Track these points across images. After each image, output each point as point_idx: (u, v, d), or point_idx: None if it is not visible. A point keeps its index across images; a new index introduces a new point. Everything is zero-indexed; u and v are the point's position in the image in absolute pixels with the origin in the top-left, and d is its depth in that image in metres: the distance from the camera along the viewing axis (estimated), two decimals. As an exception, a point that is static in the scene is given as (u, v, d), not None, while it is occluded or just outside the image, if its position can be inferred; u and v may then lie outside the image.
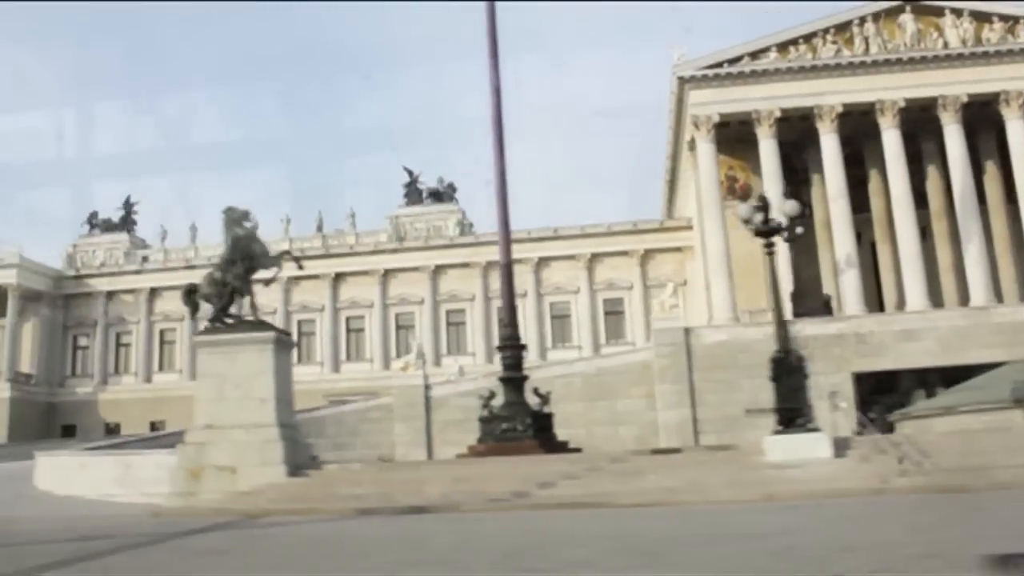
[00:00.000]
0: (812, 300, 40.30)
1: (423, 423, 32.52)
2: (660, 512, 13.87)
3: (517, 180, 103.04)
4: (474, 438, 22.57)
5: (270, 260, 20.04)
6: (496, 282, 42.17)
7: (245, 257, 19.34)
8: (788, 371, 17.38)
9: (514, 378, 23.05)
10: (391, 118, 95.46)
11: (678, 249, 46.67)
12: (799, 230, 40.21)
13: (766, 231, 18.40)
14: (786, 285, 39.89)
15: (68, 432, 50.19)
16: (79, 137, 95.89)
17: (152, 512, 16.20)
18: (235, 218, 19.69)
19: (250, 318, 19.51)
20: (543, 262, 47.41)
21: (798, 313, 38.30)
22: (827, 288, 42.16)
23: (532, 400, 22.40)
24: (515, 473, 17.69)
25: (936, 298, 39.79)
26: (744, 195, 44.10)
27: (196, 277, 49.25)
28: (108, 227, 61.43)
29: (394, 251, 49.34)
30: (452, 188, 60.60)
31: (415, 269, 48.32)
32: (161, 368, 50.76)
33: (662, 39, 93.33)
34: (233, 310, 20.08)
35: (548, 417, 22.79)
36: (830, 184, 40.57)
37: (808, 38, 41.31)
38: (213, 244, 53.40)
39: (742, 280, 39.61)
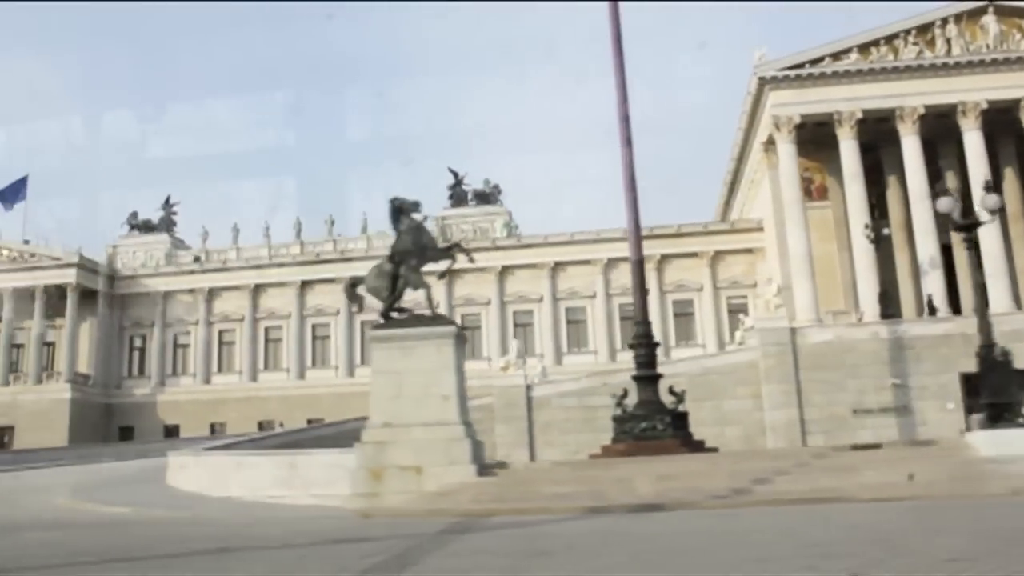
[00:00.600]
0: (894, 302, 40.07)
1: (525, 424, 31.98)
2: (916, 506, 13.42)
3: (547, 185, 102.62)
4: (577, 439, 22.20)
5: (441, 252, 19.49)
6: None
7: (418, 249, 18.79)
8: (993, 365, 16.98)
9: (648, 376, 22.60)
10: (402, 125, 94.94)
11: (748, 251, 46.29)
12: (886, 231, 39.89)
13: (966, 225, 17.90)
14: (871, 286, 39.71)
15: (125, 434, 49.59)
16: (92, 143, 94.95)
17: (362, 513, 15.63)
18: (404, 208, 19.13)
19: (424, 312, 18.93)
20: (611, 263, 46.97)
21: (886, 315, 38.03)
22: (904, 290, 41.91)
23: (666, 399, 21.96)
24: (713, 470, 17.28)
25: (1017, 300, 39.61)
26: (820, 196, 44.00)
27: (260, 277, 49.58)
28: (148, 228, 60.89)
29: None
30: (497, 190, 60.33)
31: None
32: (220, 369, 50.11)
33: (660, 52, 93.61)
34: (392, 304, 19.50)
35: (684, 416, 22.33)
36: (912, 185, 40.25)
37: (889, 39, 41.08)
38: (253, 245, 52.95)
39: (817, 281, 39.49)
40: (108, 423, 49.37)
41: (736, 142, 48.16)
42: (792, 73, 41.07)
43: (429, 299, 19.19)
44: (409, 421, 17.92)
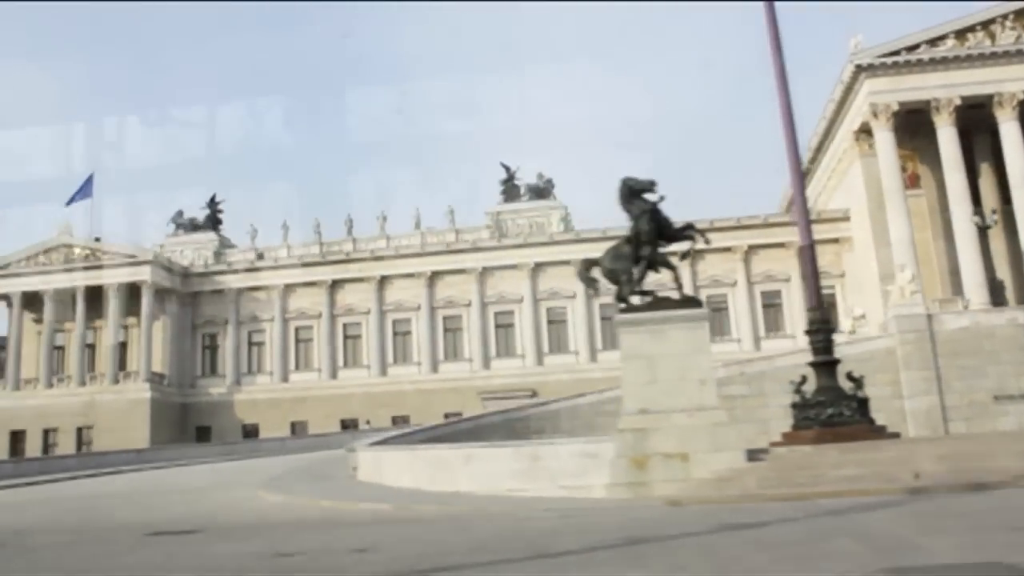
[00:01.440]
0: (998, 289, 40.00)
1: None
2: None
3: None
4: (725, 430, 21.68)
5: (681, 233, 18.97)
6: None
7: (660, 229, 18.30)
8: None
9: (827, 362, 22.26)
10: (440, 122, 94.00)
11: (835, 240, 46.08)
12: (994, 218, 39.80)
13: None
14: (975, 274, 39.66)
15: (202, 434, 48.75)
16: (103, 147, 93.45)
17: (669, 501, 15.18)
18: (637, 189, 18.61)
19: (669, 295, 18.44)
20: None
21: (997, 302, 38.00)
22: (1004, 277, 41.86)
23: (844, 385, 21.63)
24: (985, 450, 16.95)
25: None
26: (912, 185, 43.89)
27: (336, 273, 48.81)
28: (194, 226, 59.90)
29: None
30: (551, 184, 59.72)
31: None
32: (297, 367, 49.33)
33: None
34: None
35: (866, 401, 22.00)
36: (1012, 171, 40.21)
37: (986, 24, 40.99)
38: (301, 243, 52.02)
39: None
40: (184, 423, 48.49)
41: (817, 132, 47.97)
42: (889, 60, 40.91)
43: (678, 280, 18.73)
44: (666, 407, 17.42)
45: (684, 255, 20.60)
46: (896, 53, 40.98)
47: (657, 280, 19.83)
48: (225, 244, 57.52)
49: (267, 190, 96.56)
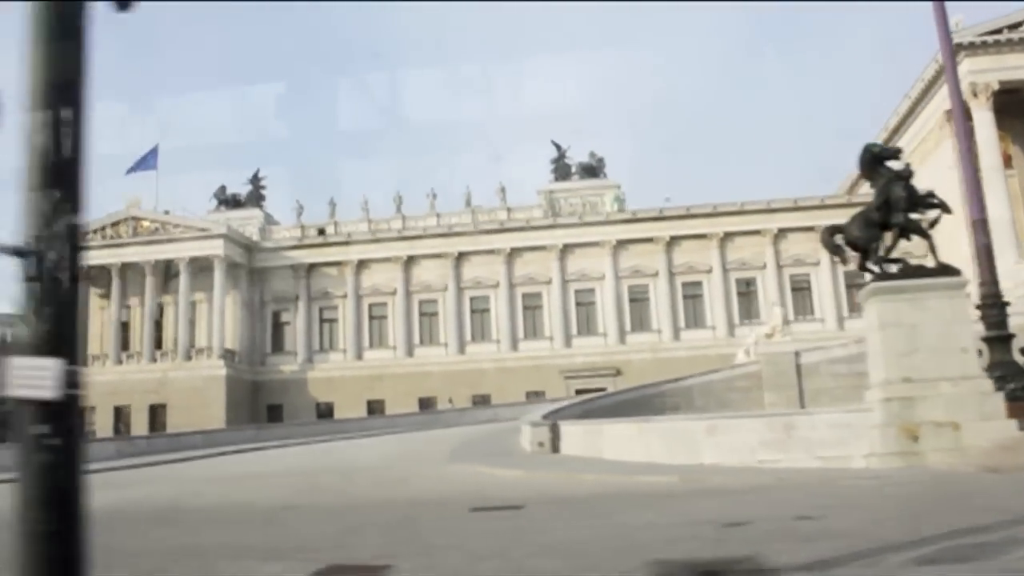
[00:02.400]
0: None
1: (795, 392, 31.18)
2: None
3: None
4: (993, 399, 21.34)
5: (926, 201, 18.47)
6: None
7: (909, 196, 17.80)
8: None
9: (1001, 336, 21.96)
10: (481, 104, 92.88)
11: (918, 221, 45.80)
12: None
13: None
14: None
15: (274, 412, 47.89)
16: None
17: (989, 469, 14.70)
18: (883, 156, 18.08)
19: (923, 263, 17.96)
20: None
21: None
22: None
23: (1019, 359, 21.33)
24: None
25: None
26: (1005, 165, 43.73)
27: (411, 249, 47.93)
28: (236, 203, 58.72)
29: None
30: (602, 162, 59.04)
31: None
32: (371, 344, 48.48)
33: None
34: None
35: None
36: (1110, 153, 40.17)
37: (1090, 5, 40.81)
38: (354, 220, 50.99)
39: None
40: (254, 401, 47.56)
41: (897, 112, 47.67)
42: (990, 39, 40.63)
43: (932, 248, 18.23)
44: (930, 376, 16.94)
45: (933, 223, 20.12)
46: (998, 31, 40.70)
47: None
48: (270, 221, 56.43)
49: (310, 169, 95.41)
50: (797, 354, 31.68)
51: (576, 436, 21.29)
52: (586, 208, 52.75)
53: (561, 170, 57.59)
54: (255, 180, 60.44)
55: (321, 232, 51.66)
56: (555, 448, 22.12)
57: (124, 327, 49.18)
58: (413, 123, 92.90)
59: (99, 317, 49.34)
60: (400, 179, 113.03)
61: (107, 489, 18.59)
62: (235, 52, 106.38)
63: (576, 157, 58.12)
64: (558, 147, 57.99)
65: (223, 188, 60.21)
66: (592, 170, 57.73)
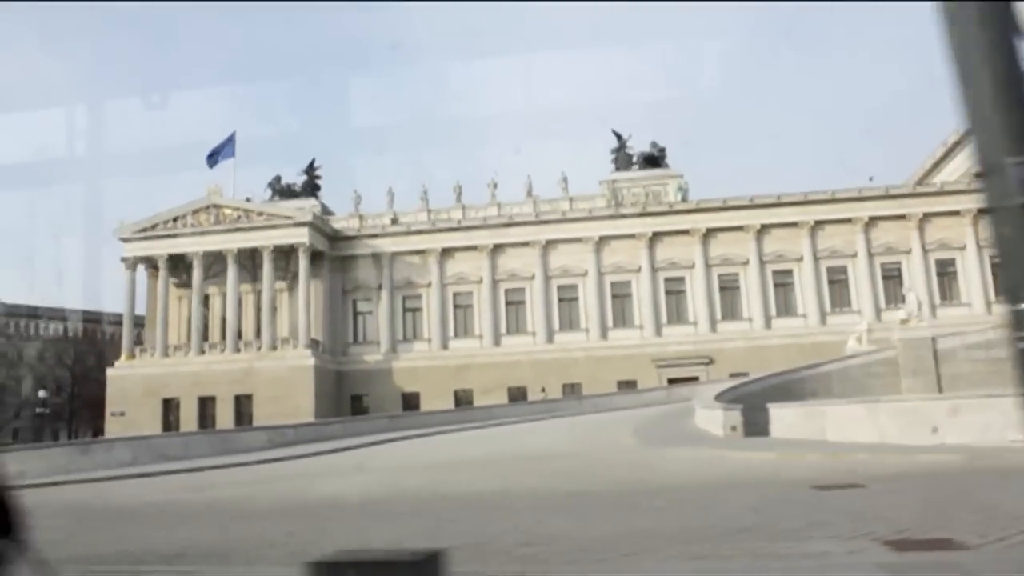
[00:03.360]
0: None
1: (933, 377, 30.95)
2: None
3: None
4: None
5: None
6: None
7: None
8: None
9: None
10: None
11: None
12: None
13: None
14: None
15: (357, 403, 47.31)
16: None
17: None
18: None
19: None
20: (871, 223, 45.98)
21: None
22: None
23: None
24: None
25: None
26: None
27: (497, 237, 47.34)
28: (291, 193, 58.06)
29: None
30: (664, 152, 58.54)
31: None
32: (455, 334, 47.95)
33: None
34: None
35: None
36: None
37: None
38: (413, 209, 50.36)
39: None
40: (339, 392, 46.95)
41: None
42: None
43: None
44: None
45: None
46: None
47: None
48: (326, 211, 55.77)
49: (363, 161, 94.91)
50: (934, 340, 31.41)
51: (789, 418, 20.91)
52: (649, 198, 52.24)
53: (622, 159, 57.04)
54: (310, 170, 59.70)
55: (394, 221, 51.05)
56: (749, 432, 21.69)
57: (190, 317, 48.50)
58: (441, 117, 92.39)
59: (175, 307, 48.67)
60: (424, 171, 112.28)
61: (342, 477, 18.12)
62: (254, 49, 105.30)
63: (637, 147, 57.61)
64: (618, 136, 57.39)
65: (278, 178, 59.47)
66: (654, 160, 57.17)
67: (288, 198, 57.25)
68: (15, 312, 74.45)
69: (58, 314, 71.75)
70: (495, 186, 53.51)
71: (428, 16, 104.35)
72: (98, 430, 64.27)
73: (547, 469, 17.94)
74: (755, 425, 21.49)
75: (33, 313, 75.10)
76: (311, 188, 58.92)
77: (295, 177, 59.65)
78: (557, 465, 18.51)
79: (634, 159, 57.34)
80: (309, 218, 46.73)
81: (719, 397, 26.20)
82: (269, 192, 58.56)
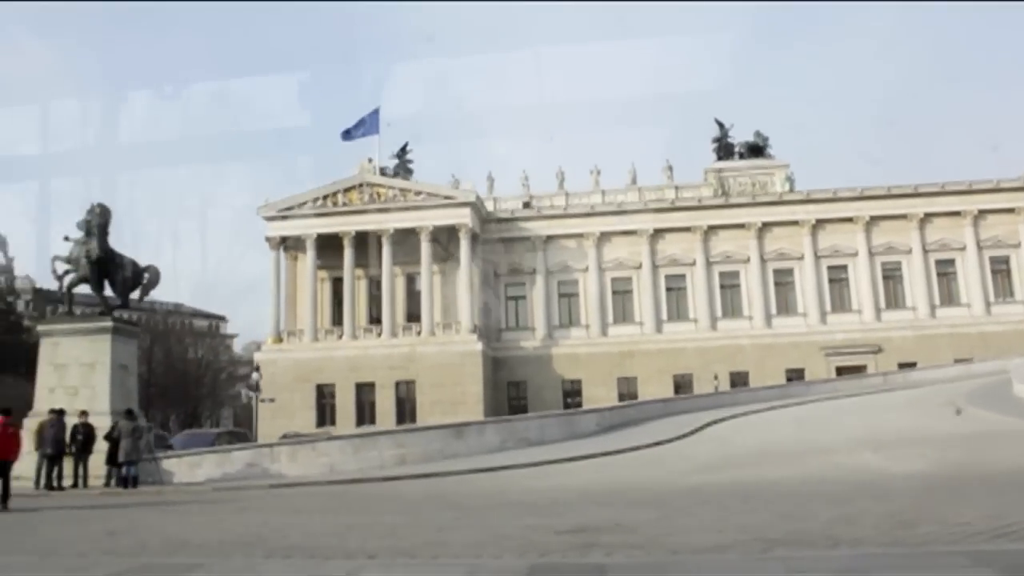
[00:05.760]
0: None
1: None
2: None
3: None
4: None
5: None
6: None
7: None
8: None
9: None
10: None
11: None
12: None
13: None
14: None
15: (514, 390, 45.89)
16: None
17: None
18: None
19: None
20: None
21: None
22: None
23: None
24: None
25: None
26: None
27: (658, 222, 46.29)
28: (384, 175, 56.34)
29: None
30: (767, 141, 58.21)
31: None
32: (614, 320, 46.81)
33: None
34: None
35: None
36: None
37: None
38: (547, 193, 49.11)
39: None
40: (497, 378, 45.42)
41: None
42: None
43: None
44: None
45: None
46: None
47: None
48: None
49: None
50: None
51: None
52: (755, 188, 51.77)
53: (724, 149, 56.37)
54: (402, 154, 57.83)
55: (526, 205, 49.55)
56: None
57: (340, 300, 46.43)
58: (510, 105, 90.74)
59: (321, 289, 46.49)
60: (510, 158, 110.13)
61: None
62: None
63: (738, 136, 56.97)
64: (721, 125, 56.66)
65: (369, 160, 57.59)
66: (758, 149, 56.64)
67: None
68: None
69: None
70: (598, 173, 52.61)
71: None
72: (192, 416, 61.53)
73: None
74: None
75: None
76: (404, 172, 57.08)
77: (387, 160, 57.94)
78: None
79: (736, 148, 56.76)
80: (472, 199, 45.01)
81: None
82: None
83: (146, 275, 20.49)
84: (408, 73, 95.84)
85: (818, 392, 35.24)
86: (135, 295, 20.59)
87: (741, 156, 55.99)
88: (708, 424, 25.10)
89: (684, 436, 23.23)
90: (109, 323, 19.47)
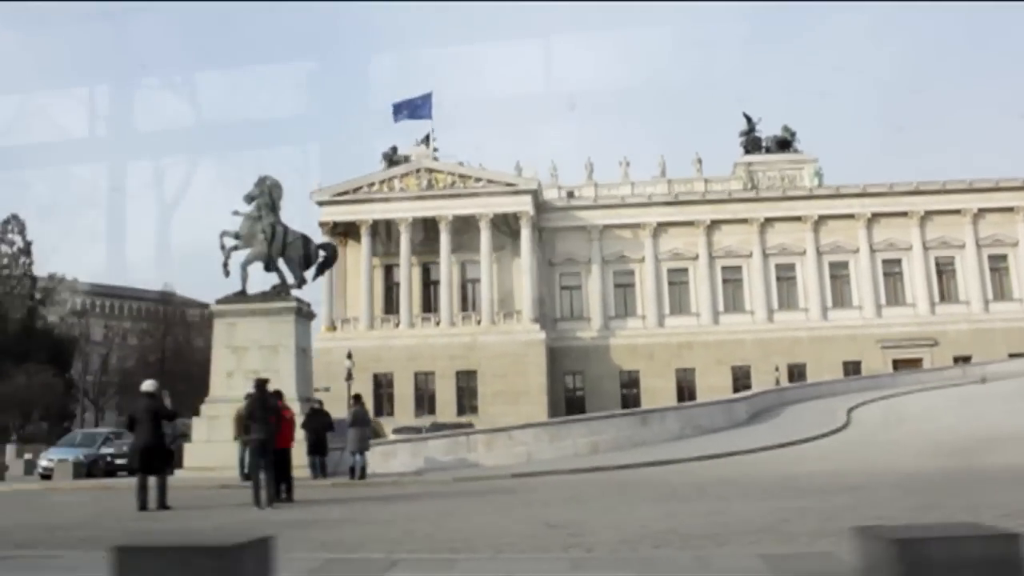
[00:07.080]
0: None
1: None
2: None
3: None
4: None
5: None
6: None
7: None
8: None
9: None
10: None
11: None
12: None
13: None
14: None
15: (572, 380, 45.26)
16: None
17: None
18: None
19: None
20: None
21: None
22: None
23: None
24: None
25: None
26: None
27: (715, 213, 45.98)
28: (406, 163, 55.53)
29: None
30: (795, 136, 58.45)
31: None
32: (671, 311, 46.44)
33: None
34: None
35: None
36: None
37: None
38: (612, 182, 48.80)
39: None
40: (552, 368, 44.70)
41: None
42: None
43: None
44: None
45: None
46: None
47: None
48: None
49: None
50: None
51: None
52: (784, 181, 51.96)
53: (752, 142, 56.37)
54: (426, 141, 56.97)
55: (571, 195, 48.93)
56: None
57: (396, 287, 45.35)
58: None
59: (373, 276, 45.29)
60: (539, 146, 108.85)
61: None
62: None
63: (766, 130, 57.02)
64: (748, 119, 56.77)
65: (394, 148, 56.20)
66: (786, 143, 56.75)
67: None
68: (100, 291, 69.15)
69: (138, 293, 67.24)
70: (627, 164, 52.17)
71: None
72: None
73: None
74: None
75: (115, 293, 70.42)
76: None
77: (411, 148, 56.91)
78: None
79: (763, 142, 56.78)
80: (534, 186, 44.23)
81: None
82: (384, 163, 55.63)
83: (322, 252, 19.41)
84: (426, 61, 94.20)
85: (907, 384, 35.22)
86: (309, 273, 19.50)
87: (767, 150, 56.15)
88: (853, 408, 24.83)
89: (839, 429, 22.83)
90: (293, 303, 18.41)
